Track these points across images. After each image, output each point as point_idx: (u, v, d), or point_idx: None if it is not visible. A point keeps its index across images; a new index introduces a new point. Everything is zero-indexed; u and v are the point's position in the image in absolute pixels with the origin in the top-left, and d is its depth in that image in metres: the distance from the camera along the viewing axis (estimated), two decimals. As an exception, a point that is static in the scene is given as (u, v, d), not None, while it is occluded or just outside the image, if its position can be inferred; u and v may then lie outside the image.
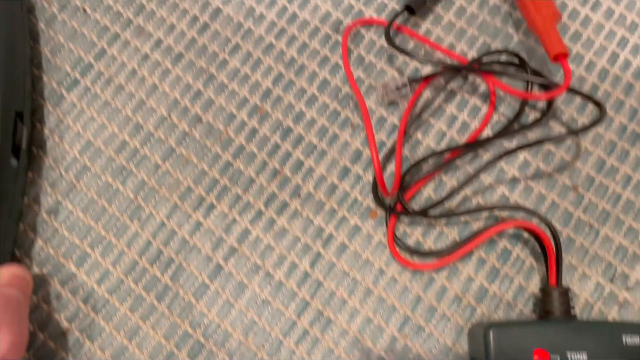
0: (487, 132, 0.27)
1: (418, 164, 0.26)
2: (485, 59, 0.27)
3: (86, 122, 0.28)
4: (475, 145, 0.26)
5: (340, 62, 0.29)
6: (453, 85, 0.28)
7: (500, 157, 0.25)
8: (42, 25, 0.29)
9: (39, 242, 0.26)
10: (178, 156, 0.27)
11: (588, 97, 0.25)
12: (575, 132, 0.24)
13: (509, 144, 0.27)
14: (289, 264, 0.26)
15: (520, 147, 0.25)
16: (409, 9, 0.28)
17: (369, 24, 0.29)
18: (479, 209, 0.25)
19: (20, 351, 0.21)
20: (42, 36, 0.29)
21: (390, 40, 0.26)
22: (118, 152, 0.27)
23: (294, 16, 0.29)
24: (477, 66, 0.26)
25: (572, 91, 0.25)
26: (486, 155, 0.27)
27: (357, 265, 0.26)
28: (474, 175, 0.25)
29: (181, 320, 0.25)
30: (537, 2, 0.26)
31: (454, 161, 0.26)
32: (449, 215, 0.25)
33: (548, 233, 0.24)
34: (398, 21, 0.28)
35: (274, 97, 0.28)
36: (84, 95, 0.28)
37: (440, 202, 0.24)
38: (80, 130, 0.28)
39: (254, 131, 0.28)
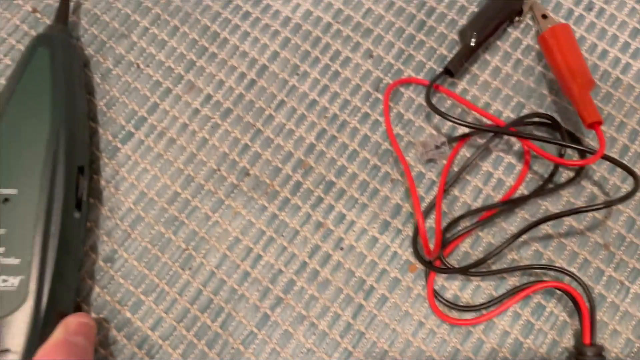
0: (522, 190, 0.29)
1: (457, 220, 0.27)
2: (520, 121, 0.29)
3: (140, 173, 0.30)
4: (512, 203, 0.27)
5: (380, 119, 0.30)
6: (487, 143, 0.29)
7: (544, 220, 0.26)
8: (97, 79, 0.31)
9: (97, 289, 0.28)
10: (227, 207, 0.29)
11: (622, 165, 0.26)
12: (611, 203, 0.25)
13: (544, 202, 0.28)
14: (332, 314, 0.27)
15: (564, 214, 0.26)
16: (448, 72, 0.29)
17: (409, 82, 0.30)
18: (516, 268, 0.26)
19: None
20: (97, 90, 0.31)
21: (430, 104, 0.28)
22: (170, 203, 0.29)
23: (336, 74, 0.31)
24: (513, 130, 0.28)
25: (607, 158, 0.26)
26: (521, 213, 0.28)
27: (397, 317, 0.27)
28: (517, 237, 0.26)
29: (231, 367, 0.27)
30: (573, 70, 0.27)
31: (491, 218, 0.28)
32: (488, 273, 0.26)
33: (581, 292, 0.26)
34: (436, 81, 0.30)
35: (317, 151, 0.30)
36: (137, 148, 0.30)
37: (481, 262, 0.26)
38: (135, 182, 0.29)
39: (298, 184, 0.29)
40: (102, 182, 0.29)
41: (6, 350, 0.23)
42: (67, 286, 0.26)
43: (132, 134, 0.30)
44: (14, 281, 0.24)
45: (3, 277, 0.24)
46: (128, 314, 0.27)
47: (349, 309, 0.27)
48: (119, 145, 0.30)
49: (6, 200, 0.25)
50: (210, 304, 0.28)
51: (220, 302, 0.28)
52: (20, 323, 0.24)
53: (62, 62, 0.29)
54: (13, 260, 0.24)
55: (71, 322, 0.24)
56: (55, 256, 0.25)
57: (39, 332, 0.24)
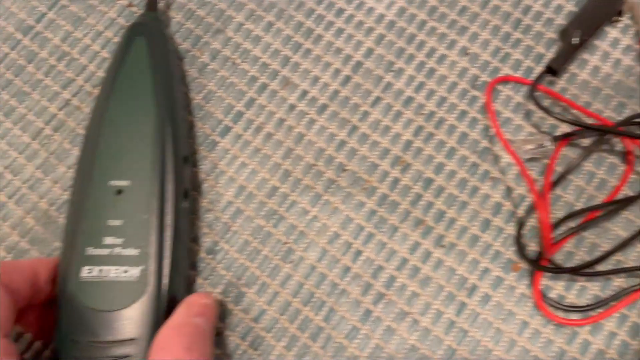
0: (625, 191, 0.28)
1: (564, 220, 0.27)
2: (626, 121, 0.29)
3: (238, 167, 0.30)
4: (618, 204, 0.27)
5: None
6: (591, 142, 0.29)
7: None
8: (194, 73, 0.32)
9: (199, 281, 0.28)
10: (325, 202, 0.29)
11: None
12: None
13: (648, 202, 0.28)
14: (434, 311, 0.27)
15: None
16: (551, 71, 0.29)
17: (507, 81, 0.30)
18: (624, 270, 0.26)
19: None
20: (194, 84, 0.31)
21: (537, 102, 0.27)
22: (269, 196, 0.29)
23: (431, 71, 0.31)
24: (621, 129, 0.27)
25: None
26: (625, 213, 0.28)
27: (501, 316, 0.27)
28: (630, 240, 0.26)
29: (335, 361, 0.27)
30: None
31: (597, 219, 0.27)
32: (597, 274, 0.26)
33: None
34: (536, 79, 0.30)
35: (415, 148, 0.30)
36: (235, 142, 0.30)
37: (594, 263, 0.26)
38: (234, 175, 0.30)
39: (396, 181, 0.29)
40: (202, 175, 0.30)
41: (132, 340, 0.24)
42: (182, 275, 0.26)
43: (230, 128, 0.31)
44: (134, 271, 0.25)
45: (124, 267, 0.25)
46: (231, 305, 0.28)
47: (452, 306, 0.27)
48: (218, 138, 0.30)
49: (120, 192, 0.26)
50: (312, 297, 0.28)
51: (322, 296, 0.28)
52: (143, 313, 0.24)
53: (159, 49, 0.29)
54: (132, 251, 0.25)
55: (193, 304, 0.24)
56: (171, 246, 0.25)
57: (161, 321, 0.24)
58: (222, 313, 0.28)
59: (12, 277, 0.23)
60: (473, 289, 0.27)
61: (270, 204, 0.29)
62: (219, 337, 0.27)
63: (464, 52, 0.31)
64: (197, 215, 0.29)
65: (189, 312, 0.24)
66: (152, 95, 0.27)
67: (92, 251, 0.25)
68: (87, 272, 0.25)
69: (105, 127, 0.27)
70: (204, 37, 0.32)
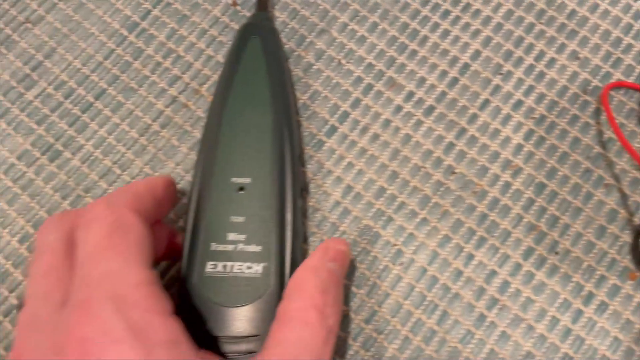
0: None
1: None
2: None
3: (345, 167, 0.30)
4: None
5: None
6: None
7: None
8: (299, 73, 0.32)
9: (309, 280, 0.28)
10: (434, 205, 0.29)
11: None
12: None
13: None
14: (550, 318, 0.27)
15: None
16: (672, 76, 0.28)
17: (621, 87, 0.30)
18: None
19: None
20: (299, 84, 0.31)
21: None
22: (377, 198, 0.29)
23: (541, 75, 0.31)
24: None
25: None
26: None
27: (617, 325, 0.26)
28: None
29: (449, 365, 0.26)
30: None
31: None
32: None
33: None
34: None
35: (526, 152, 0.29)
36: (342, 142, 0.30)
37: None
38: (341, 175, 0.30)
39: (507, 185, 0.29)
40: (309, 175, 0.30)
41: (255, 336, 0.24)
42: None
43: (336, 128, 0.31)
44: (257, 268, 0.25)
45: (247, 264, 0.25)
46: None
47: (568, 313, 0.27)
48: (324, 138, 0.30)
49: (241, 189, 0.26)
50: (424, 300, 0.28)
51: (434, 299, 0.27)
52: (266, 309, 0.24)
53: (272, 49, 0.29)
54: (255, 248, 0.25)
55: (329, 248, 0.24)
56: (291, 244, 0.25)
57: None
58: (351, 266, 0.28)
59: (142, 201, 0.23)
60: (589, 297, 0.27)
61: (378, 205, 0.29)
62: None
63: (575, 56, 0.31)
64: (305, 214, 0.29)
65: (325, 256, 0.24)
66: (268, 94, 0.28)
67: (216, 246, 0.25)
68: (211, 267, 0.25)
69: (224, 124, 0.27)
70: (308, 37, 0.32)
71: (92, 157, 0.31)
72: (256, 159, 0.26)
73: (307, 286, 0.22)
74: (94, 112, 0.31)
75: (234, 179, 0.26)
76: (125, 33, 0.33)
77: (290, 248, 0.25)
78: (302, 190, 0.28)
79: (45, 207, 0.30)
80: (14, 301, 0.28)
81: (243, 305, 0.24)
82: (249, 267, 0.25)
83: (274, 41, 0.30)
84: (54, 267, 0.20)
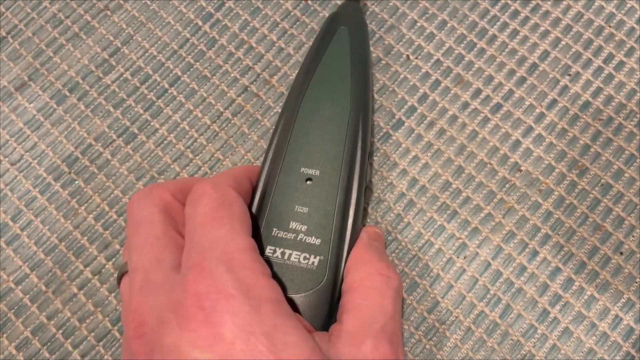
0: None
1: None
2: None
3: (411, 160, 0.30)
4: None
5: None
6: None
7: None
8: (367, 67, 0.32)
9: (374, 268, 0.29)
10: (499, 201, 0.29)
11: None
12: None
13: None
14: (612, 316, 0.27)
15: None
16: None
17: (692, 91, 0.30)
18: None
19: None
20: (366, 77, 0.32)
21: None
22: (442, 191, 0.30)
23: (609, 77, 0.31)
24: None
25: None
26: None
27: (683, 327, 0.27)
28: None
29: (511, 358, 0.27)
30: None
31: None
32: None
33: None
34: None
35: (593, 153, 0.30)
36: (408, 136, 0.31)
37: None
38: (406, 168, 0.30)
39: (573, 184, 0.29)
40: (375, 166, 0.31)
41: None
42: None
43: (403, 122, 0.31)
44: (314, 260, 0.25)
45: (304, 254, 0.25)
46: (404, 295, 0.28)
47: (631, 313, 0.27)
48: (391, 132, 0.31)
49: (309, 180, 0.26)
50: (487, 293, 0.28)
51: (497, 293, 0.28)
52: (316, 302, 0.24)
53: (360, 42, 0.29)
54: (314, 240, 0.25)
55: (369, 231, 0.26)
56: (349, 241, 0.25)
57: (333, 313, 0.24)
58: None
59: (241, 183, 0.24)
60: (654, 298, 0.27)
61: (443, 199, 0.30)
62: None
63: (644, 59, 0.31)
64: (367, 204, 0.30)
65: (370, 236, 0.25)
66: (349, 89, 0.27)
67: (277, 232, 0.25)
68: (270, 251, 0.25)
69: (300, 113, 0.27)
70: (378, 33, 0.33)
71: (165, 141, 0.32)
72: (327, 152, 0.26)
73: (367, 258, 0.24)
74: (168, 98, 0.32)
75: (304, 169, 0.26)
76: (200, 23, 0.34)
77: (348, 246, 0.25)
78: (365, 188, 0.28)
79: (120, 187, 0.31)
80: (89, 275, 0.30)
81: (294, 294, 0.24)
82: (306, 258, 0.25)
83: (362, 34, 0.29)
84: (156, 237, 0.21)
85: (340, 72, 0.28)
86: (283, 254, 0.25)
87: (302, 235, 0.25)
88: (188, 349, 0.17)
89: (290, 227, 0.25)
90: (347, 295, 0.23)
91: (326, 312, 0.24)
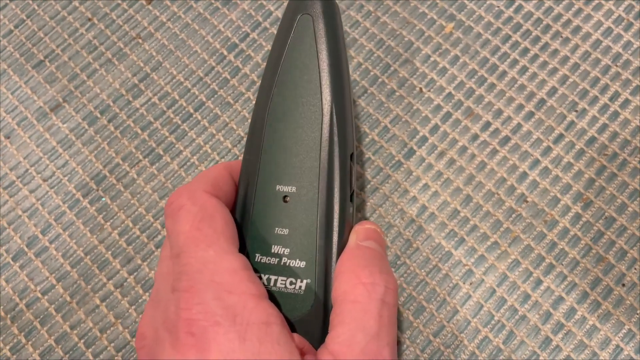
0: None
1: None
2: None
3: (421, 188, 0.32)
4: None
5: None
6: None
7: None
8: (382, 98, 0.34)
9: (382, 291, 0.30)
10: (505, 230, 0.31)
11: None
12: None
13: None
14: (613, 346, 0.28)
15: None
16: None
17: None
18: None
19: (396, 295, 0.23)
20: (381, 109, 0.34)
21: None
22: (450, 219, 0.31)
23: (615, 114, 0.32)
24: None
25: None
26: None
27: (683, 359, 0.27)
28: None
29: (513, 383, 0.28)
30: None
31: None
32: None
33: None
34: None
35: (597, 187, 0.31)
36: (419, 165, 0.32)
37: None
38: (417, 195, 0.32)
39: (577, 216, 0.30)
40: (386, 192, 0.32)
41: None
42: None
43: (414, 151, 0.33)
44: (300, 284, 0.23)
45: (290, 279, 0.23)
46: (411, 318, 0.29)
47: (632, 343, 0.28)
48: (402, 160, 0.33)
49: (285, 198, 0.24)
50: (492, 319, 0.29)
51: (502, 319, 0.29)
52: (307, 328, 0.23)
53: (326, 28, 0.24)
54: (298, 263, 0.23)
55: (359, 230, 0.24)
56: (336, 256, 0.23)
57: (325, 335, 0.22)
58: (400, 327, 0.29)
59: (220, 185, 0.23)
60: (655, 330, 0.28)
61: (451, 226, 0.31)
62: (398, 346, 0.29)
63: (649, 98, 0.32)
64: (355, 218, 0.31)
65: (357, 237, 0.24)
66: (318, 88, 0.24)
67: (260, 258, 0.23)
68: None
69: (268, 124, 0.24)
70: (392, 66, 0.35)
71: (189, 163, 0.34)
72: (301, 164, 0.24)
73: (350, 266, 0.22)
74: (193, 122, 0.34)
75: (279, 187, 0.24)
76: (225, 52, 0.36)
77: (335, 262, 0.23)
78: (352, 195, 0.25)
79: (144, 205, 0.33)
80: (111, 288, 0.31)
81: None
82: (292, 283, 0.23)
83: (328, 18, 0.25)
84: (169, 254, 0.22)
85: (305, 69, 0.24)
86: (269, 280, 0.23)
87: (286, 259, 0.23)
88: None
89: (273, 251, 0.23)
90: (334, 309, 0.22)
91: (319, 335, 0.23)
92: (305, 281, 0.23)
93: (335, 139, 0.23)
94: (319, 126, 0.24)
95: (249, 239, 0.24)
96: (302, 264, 0.23)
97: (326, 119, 0.24)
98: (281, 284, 0.23)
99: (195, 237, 0.21)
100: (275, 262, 0.23)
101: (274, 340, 0.20)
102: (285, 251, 0.23)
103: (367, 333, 0.21)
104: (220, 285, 0.20)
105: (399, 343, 0.29)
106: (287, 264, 0.23)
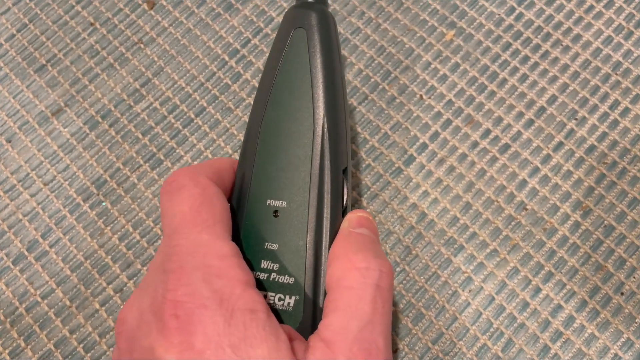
0: None
1: None
2: None
3: (421, 195, 0.32)
4: None
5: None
6: None
7: None
8: (383, 105, 0.34)
9: (381, 297, 0.30)
10: (505, 238, 0.31)
11: None
12: None
13: None
14: (612, 355, 0.28)
15: None
16: None
17: (694, 139, 0.31)
18: None
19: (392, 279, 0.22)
20: (381, 115, 0.34)
21: None
22: (449, 226, 0.31)
23: (615, 122, 0.32)
24: None
25: None
26: None
27: (682, 369, 0.27)
28: None
29: (512, 391, 0.28)
30: None
31: None
32: None
33: None
34: None
35: (596, 195, 0.31)
36: (419, 172, 0.32)
37: None
38: (416, 202, 0.32)
39: (577, 225, 0.30)
40: (386, 199, 0.32)
41: None
42: None
43: (414, 158, 0.33)
44: (289, 301, 0.22)
45: (279, 295, 0.22)
46: (410, 325, 0.29)
47: (630, 352, 0.28)
48: (402, 167, 0.33)
49: (276, 213, 0.23)
50: (490, 327, 0.29)
51: (500, 327, 0.29)
52: None
53: (320, 42, 0.24)
54: (287, 279, 0.23)
55: (352, 218, 0.23)
56: (325, 274, 0.23)
57: None
58: (401, 334, 0.29)
59: (223, 176, 0.23)
60: (654, 339, 0.28)
61: (451, 233, 0.31)
62: (395, 354, 0.29)
63: (649, 107, 0.32)
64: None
65: (350, 225, 0.23)
66: (310, 102, 0.24)
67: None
68: None
69: (262, 138, 0.24)
70: (393, 73, 0.35)
71: (189, 168, 0.34)
72: (292, 179, 0.23)
73: (343, 251, 0.22)
74: (194, 128, 0.34)
75: (270, 202, 0.23)
76: (227, 58, 0.36)
77: (324, 279, 0.22)
78: (345, 210, 0.24)
79: (144, 209, 0.33)
80: (111, 292, 0.31)
81: None
82: (281, 299, 0.22)
83: (323, 31, 0.24)
84: None
85: (299, 83, 0.24)
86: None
87: (275, 274, 0.23)
88: (161, 353, 0.18)
89: (262, 266, 0.23)
90: (328, 295, 0.21)
91: None
92: (294, 297, 0.22)
93: (327, 153, 0.23)
94: (310, 141, 0.23)
95: (243, 253, 0.23)
96: (291, 280, 0.23)
97: (318, 133, 0.23)
98: (270, 299, 0.22)
99: (193, 219, 0.21)
100: (265, 277, 0.23)
101: (259, 326, 0.19)
102: (275, 266, 0.23)
103: (361, 320, 0.20)
104: (209, 268, 0.20)
105: (397, 350, 0.29)
106: (276, 280, 0.23)
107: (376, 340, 0.20)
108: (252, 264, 0.23)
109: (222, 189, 0.23)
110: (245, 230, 0.23)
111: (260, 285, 0.23)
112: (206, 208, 0.21)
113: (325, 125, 0.23)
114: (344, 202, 0.24)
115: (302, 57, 0.24)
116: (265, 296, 0.22)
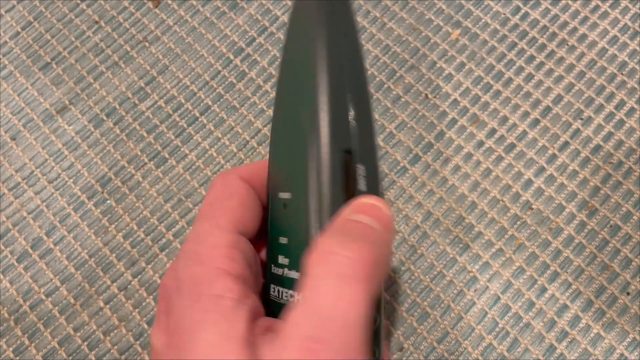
0: None
1: None
2: None
3: (426, 194, 0.32)
4: None
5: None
6: None
7: None
8: (388, 104, 0.34)
9: (385, 296, 0.30)
10: (510, 237, 0.30)
11: None
12: None
13: None
14: (618, 355, 0.28)
15: None
16: None
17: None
18: None
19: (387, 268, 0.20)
20: (387, 114, 0.34)
21: None
22: (455, 225, 0.31)
23: (620, 122, 0.32)
24: None
25: None
26: None
27: (688, 369, 0.27)
28: None
29: (517, 390, 0.28)
30: None
31: None
32: None
33: None
34: None
35: (602, 195, 0.31)
36: (425, 171, 0.32)
37: None
38: (422, 201, 0.32)
39: (582, 224, 0.30)
40: (391, 198, 0.32)
41: None
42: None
43: (420, 157, 0.33)
44: (298, 297, 0.19)
45: (290, 291, 0.21)
46: (415, 324, 0.29)
47: (636, 352, 0.28)
48: (408, 166, 0.33)
49: (285, 206, 0.21)
50: (496, 327, 0.29)
51: (506, 327, 0.29)
52: None
53: (335, 24, 0.22)
54: (295, 274, 0.21)
55: (357, 203, 0.20)
56: None
57: None
58: (406, 332, 0.29)
59: (257, 176, 0.23)
60: (660, 339, 0.28)
61: (456, 232, 0.31)
62: (400, 353, 0.29)
63: (655, 107, 0.32)
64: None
65: (350, 210, 0.19)
66: (313, 90, 0.21)
67: (273, 269, 0.22)
68: (272, 290, 0.22)
69: (274, 129, 0.23)
70: (398, 72, 0.35)
71: (194, 166, 0.34)
72: (296, 170, 0.21)
73: (320, 245, 0.18)
74: (198, 126, 0.34)
75: (280, 194, 0.22)
76: (232, 57, 0.36)
77: None
78: (353, 192, 0.21)
79: (148, 208, 0.33)
80: (115, 290, 0.31)
81: None
82: (292, 296, 0.21)
83: (340, 12, 0.23)
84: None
85: (303, 62, 0.22)
86: (279, 292, 0.22)
87: (287, 269, 0.21)
88: (152, 336, 0.20)
89: (279, 261, 0.22)
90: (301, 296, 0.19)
91: None
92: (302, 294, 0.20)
93: (323, 135, 0.20)
94: (308, 125, 0.21)
95: (269, 248, 0.22)
96: (298, 275, 0.21)
97: (315, 113, 0.20)
98: (285, 296, 0.21)
99: (205, 212, 0.22)
100: (281, 273, 0.21)
101: (219, 312, 0.18)
102: (286, 261, 0.21)
103: (318, 315, 0.17)
104: (196, 255, 0.21)
105: (402, 349, 0.29)
106: (288, 275, 0.21)
107: (331, 340, 0.17)
108: (274, 260, 0.21)
109: (257, 187, 0.23)
110: (270, 225, 0.22)
111: (278, 282, 0.21)
112: (220, 202, 0.22)
113: (329, 111, 0.20)
114: (353, 188, 0.21)
115: (306, 36, 0.22)
116: (279, 293, 0.21)
